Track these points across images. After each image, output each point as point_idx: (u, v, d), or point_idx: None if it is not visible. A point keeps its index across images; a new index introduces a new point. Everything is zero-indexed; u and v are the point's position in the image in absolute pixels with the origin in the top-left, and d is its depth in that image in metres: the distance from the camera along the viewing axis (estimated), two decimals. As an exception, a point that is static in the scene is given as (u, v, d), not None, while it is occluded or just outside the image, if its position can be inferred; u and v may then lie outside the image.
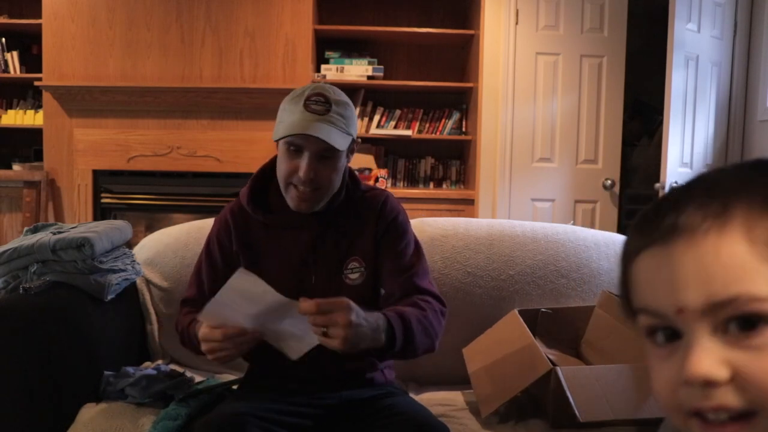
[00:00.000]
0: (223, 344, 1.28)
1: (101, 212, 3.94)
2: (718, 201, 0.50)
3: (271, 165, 1.54)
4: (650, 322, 0.52)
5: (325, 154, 1.41)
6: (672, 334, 0.51)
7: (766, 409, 0.47)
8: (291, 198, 1.46)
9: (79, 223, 1.98)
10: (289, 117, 1.41)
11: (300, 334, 1.29)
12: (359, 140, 1.54)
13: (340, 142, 1.41)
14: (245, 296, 1.25)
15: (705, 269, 0.48)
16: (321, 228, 1.49)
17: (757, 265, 0.47)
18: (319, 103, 1.39)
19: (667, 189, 3.08)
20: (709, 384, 0.47)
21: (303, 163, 1.40)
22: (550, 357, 1.65)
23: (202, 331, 1.31)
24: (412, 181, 4.32)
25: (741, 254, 0.48)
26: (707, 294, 0.48)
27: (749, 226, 0.48)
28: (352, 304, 1.22)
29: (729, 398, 0.47)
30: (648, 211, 0.55)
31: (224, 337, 1.27)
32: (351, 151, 1.50)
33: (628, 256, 0.55)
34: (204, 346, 1.31)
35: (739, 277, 0.47)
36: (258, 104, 3.80)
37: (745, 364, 0.47)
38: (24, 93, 4.26)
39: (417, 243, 1.54)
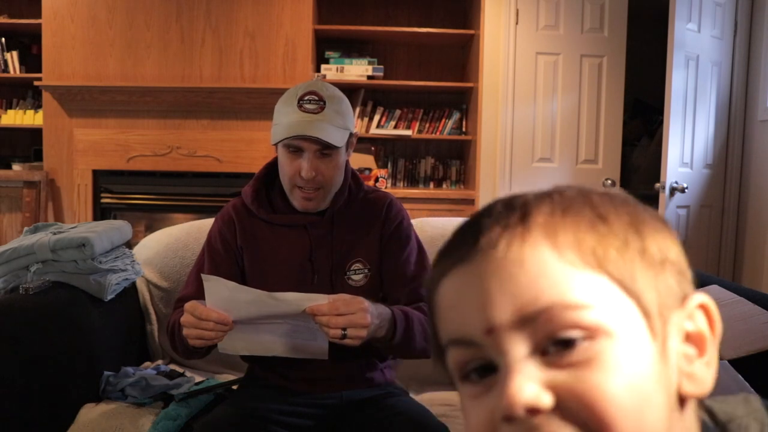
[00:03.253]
0: (203, 323, 1.26)
1: (101, 212, 3.94)
2: (517, 212, 0.47)
3: (274, 164, 1.54)
4: (460, 356, 0.47)
5: (325, 151, 1.41)
6: (486, 368, 0.46)
7: None
8: (296, 199, 1.46)
9: (79, 223, 1.98)
10: (284, 119, 1.41)
11: (307, 334, 1.29)
12: (357, 132, 1.54)
13: (338, 138, 1.41)
14: (227, 303, 1.26)
15: (511, 281, 0.44)
16: (324, 228, 1.49)
17: (566, 271, 0.44)
18: (313, 102, 1.39)
19: (667, 189, 3.08)
20: (532, 412, 0.41)
21: (304, 163, 1.41)
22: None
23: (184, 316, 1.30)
24: (412, 181, 4.32)
25: (547, 262, 0.44)
26: (516, 307, 0.44)
27: (552, 232, 0.45)
28: (366, 302, 1.24)
29: (557, 429, 0.41)
30: (451, 237, 0.51)
31: (207, 317, 1.26)
32: (350, 144, 1.50)
33: (432, 285, 0.51)
34: (185, 325, 1.29)
35: (548, 285, 0.43)
36: (258, 104, 3.80)
37: (569, 385, 0.42)
38: (24, 93, 4.25)
39: (421, 249, 1.54)
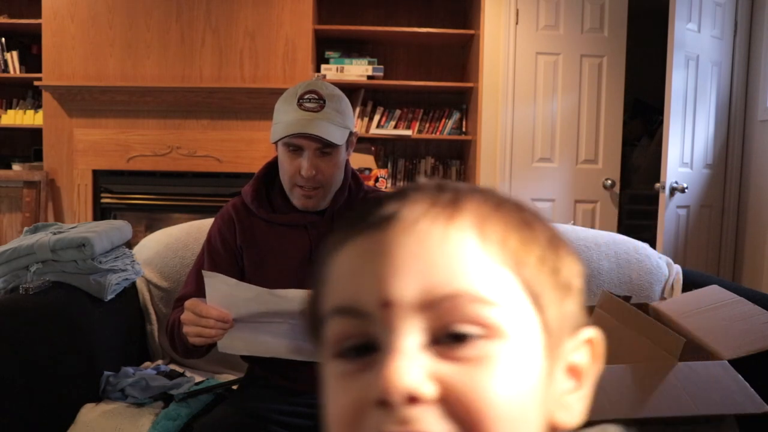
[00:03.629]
0: (203, 320, 1.27)
1: (101, 212, 3.94)
2: (449, 193, 0.44)
3: (274, 163, 1.54)
4: (343, 327, 0.42)
5: (325, 150, 1.42)
6: (367, 348, 0.41)
7: None
8: (296, 197, 1.47)
9: (79, 223, 1.98)
10: (284, 117, 1.42)
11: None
12: (357, 132, 1.54)
13: (338, 136, 1.41)
14: (228, 301, 1.26)
15: (426, 257, 0.41)
16: (324, 227, 1.49)
17: (485, 263, 0.42)
18: (313, 101, 1.40)
19: (667, 189, 3.08)
20: (411, 400, 0.38)
21: (304, 162, 1.41)
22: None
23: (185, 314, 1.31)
24: (412, 181, 4.32)
25: (470, 248, 0.42)
26: (424, 285, 0.40)
27: (481, 221, 0.43)
28: None
29: (433, 425, 0.38)
30: (365, 204, 0.47)
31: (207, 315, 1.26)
32: (350, 143, 1.51)
33: (330, 250, 0.46)
34: (185, 322, 1.31)
35: (464, 272, 0.41)
36: (258, 104, 3.80)
37: (455, 381, 0.39)
38: (24, 93, 4.25)
39: None
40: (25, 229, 1.93)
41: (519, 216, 0.45)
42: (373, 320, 0.41)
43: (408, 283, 0.41)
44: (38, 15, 3.87)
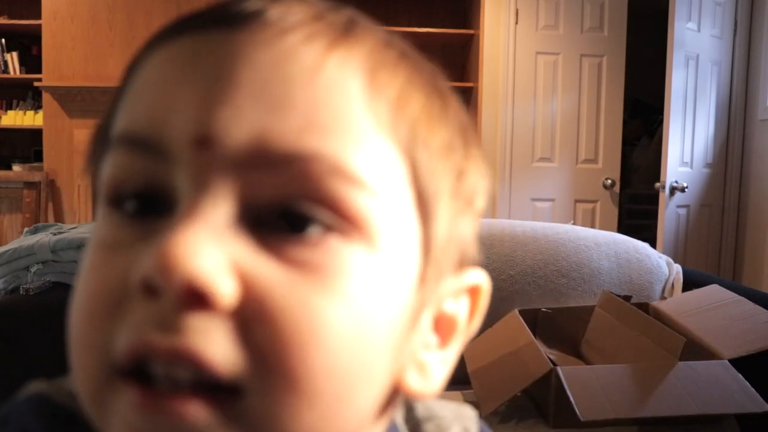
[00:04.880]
0: None
1: (101, 213, 3.94)
2: (344, 17, 0.31)
3: None
4: (128, 163, 0.28)
5: None
6: (156, 201, 0.27)
7: (264, 383, 0.25)
8: None
9: (79, 224, 1.98)
10: None
11: None
12: None
13: None
14: None
15: (282, 86, 0.27)
16: None
17: (366, 125, 0.28)
18: None
19: (667, 188, 3.08)
20: (193, 297, 0.24)
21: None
22: (551, 357, 1.65)
23: None
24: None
25: (351, 95, 0.28)
26: (266, 129, 0.26)
27: (376, 67, 0.29)
28: None
29: (215, 346, 0.24)
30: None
31: None
32: None
33: (143, 50, 0.31)
34: None
35: (333, 128, 0.27)
36: (258, 104, 3.80)
37: (278, 291, 0.25)
38: (24, 94, 4.26)
39: None
40: (26, 229, 1.93)
41: (431, 81, 0.32)
42: (175, 163, 0.26)
43: (241, 119, 0.26)
44: (38, 16, 3.88)
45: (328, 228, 0.27)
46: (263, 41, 0.28)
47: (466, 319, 0.35)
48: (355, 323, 0.27)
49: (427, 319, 0.33)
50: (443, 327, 0.34)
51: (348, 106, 0.28)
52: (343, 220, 0.27)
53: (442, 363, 0.33)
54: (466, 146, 0.33)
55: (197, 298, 0.24)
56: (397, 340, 0.29)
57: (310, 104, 0.27)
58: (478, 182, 0.34)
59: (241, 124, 0.26)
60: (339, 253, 0.27)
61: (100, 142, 0.30)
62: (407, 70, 0.31)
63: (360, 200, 0.27)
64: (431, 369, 0.33)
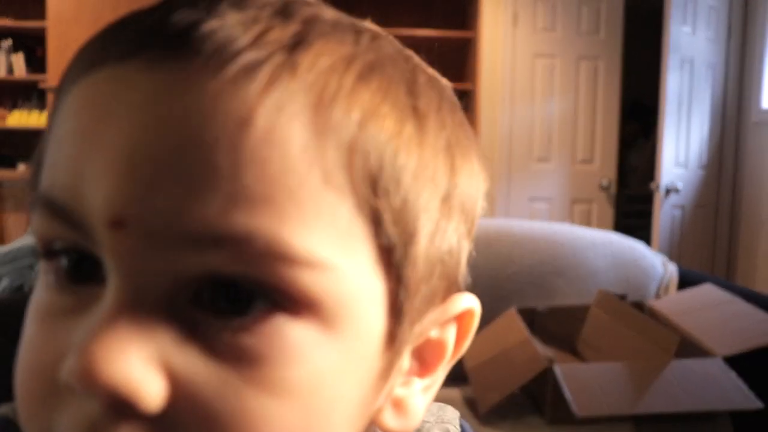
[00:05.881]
0: None
1: (102, 212, 3.96)
2: (298, 22, 0.25)
3: None
4: (49, 228, 0.25)
5: None
6: (86, 264, 0.25)
7: None
8: None
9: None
10: None
11: None
12: None
13: None
14: None
15: (208, 149, 0.22)
16: None
17: (310, 184, 0.23)
18: None
19: (662, 189, 3.11)
20: (116, 405, 0.22)
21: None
22: (548, 355, 1.68)
23: None
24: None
25: (294, 148, 0.23)
26: (189, 207, 0.22)
27: (328, 97, 0.24)
28: None
29: None
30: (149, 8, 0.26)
31: None
32: None
33: (65, 81, 0.27)
34: None
35: (270, 194, 0.22)
36: (257, 105, 3.82)
37: (208, 392, 0.22)
38: (29, 94, 4.27)
39: None
40: (30, 228, 1.95)
41: (404, 98, 0.26)
42: (95, 240, 0.24)
43: (156, 197, 0.22)
44: (43, 17, 3.89)
45: (273, 304, 0.23)
46: (186, 82, 0.23)
47: (454, 344, 0.31)
48: (304, 418, 0.23)
49: (405, 359, 0.29)
50: (428, 354, 0.31)
51: (286, 165, 0.23)
52: (287, 300, 0.23)
53: (425, 391, 0.31)
54: (452, 163, 0.28)
55: (122, 405, 0.22)
56: (362, 406, 0.27)
57: (238, 171, 0.22)
58: (471, 196, 0.30)
59: (155, 203, 0.22)
60: (284, 336, 0.23)
61: (32, 185, 0.27)
62: (371, 92, 0.25)
63: (305, 279, 0.23)
64: (411, 404, 0.30)
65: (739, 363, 1.44)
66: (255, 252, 0.22)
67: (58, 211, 0.24)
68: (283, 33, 0.24)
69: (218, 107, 0.22)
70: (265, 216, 0.22)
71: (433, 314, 0.29)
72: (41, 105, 4.18)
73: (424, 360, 0.30)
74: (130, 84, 0.23)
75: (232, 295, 0.23)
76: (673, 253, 3.25)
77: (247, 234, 0.22)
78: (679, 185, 3.17)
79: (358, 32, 0.28)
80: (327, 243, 0.23)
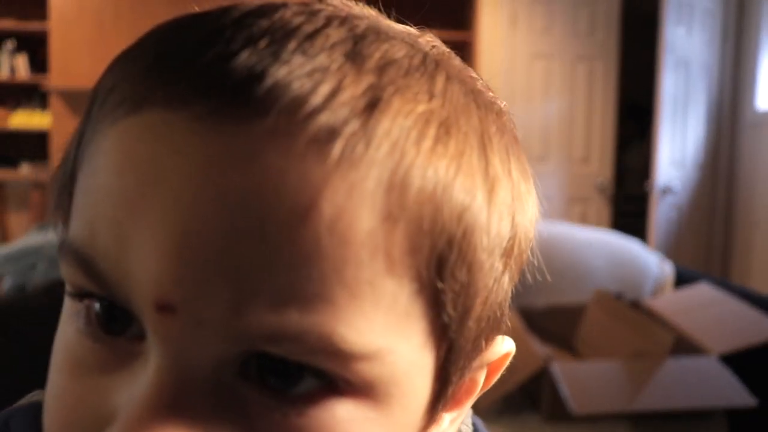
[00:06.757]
0: None
1: (103, 212, 3.96)
2: (373, 73, 0.22)
3: None
4: (91, 284, 0.23)
5: None
6: (124, 312, 0.23)
7: None
8: None
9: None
10: None
11: None
12: None
13: None
14: None
15: (266, 239, 0.20)
16: None
17: (373, 274, 0.22)
18: None
19: (659, 189, 3.13)
20: None
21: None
22: (545, 353, 1.69)
23: None
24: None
25: (360, 235, 0.21)
26: (240, 301, 0.21)
27: (402, 170, 0.21)
28: None
29: None
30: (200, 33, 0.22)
31: None
32: None
33: (104, 113, 0.24)
34: None
35: (328, 290, 0.21)
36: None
37: None
38: (32, 95, 4.28)
39: None
40: (33, 228, 1.96)
41: (478, 159, 0.24)
42: (137, 311, 0.22)
43: (207, 287, 0.21)
44: (46, 18, 3.90)
45: (324, 383, 0.22)
46: (247, 151, 0.20)
47: (484, 380, 0.31)
48: None
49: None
50: (460, 393, 0.30)
51: (347, 256, 0.21)
52: (340, 381, 0.22)
53: (452, 423, 0.30)
54: (514, 215, 0.26)
55: None
56: None
57: (295, 265, 0.20)
58: (528, 237, 0.28)
59: (207, 291, 0.21)
60: (336, 416, 0.22)
61: (58, 208, 0.26)
62: (447, 160, 0.22)
63: (359, 368, 0.22)
64: None
65: (734, 361, 1.46)
66: (308, 347, 0.21)
67: (97, 274, 0.23)
68: (356, 88, 0.21)
69: (283, 189, 0.20)
70: (320, 313, 0.21)
71: (475, 362, 0.28)
72: (43, 106, 4.19)
73: (454, 397, 0.29)
74: (181, 144, 0.21)
75: (281, 369, 0.22)
76: (669, 252, 3.27)
77: (300, 332, 0.21)
78: (675, 185, 3.19)
79: (431, 76, 0.24)
80: (383, 330, 0.22)
